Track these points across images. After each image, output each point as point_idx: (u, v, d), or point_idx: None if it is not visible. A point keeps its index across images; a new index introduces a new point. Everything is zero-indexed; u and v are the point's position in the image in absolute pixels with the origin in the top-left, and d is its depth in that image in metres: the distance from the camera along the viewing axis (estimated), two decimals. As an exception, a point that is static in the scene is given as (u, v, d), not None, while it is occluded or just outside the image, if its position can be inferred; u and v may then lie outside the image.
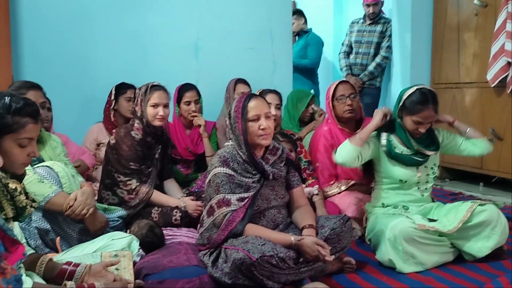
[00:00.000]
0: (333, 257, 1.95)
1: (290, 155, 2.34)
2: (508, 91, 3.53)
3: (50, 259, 1.57)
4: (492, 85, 3.61)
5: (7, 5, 3.13)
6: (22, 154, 1.43)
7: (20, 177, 1.49)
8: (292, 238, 1.97)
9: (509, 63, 3.45)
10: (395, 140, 2.41)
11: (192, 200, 2.56)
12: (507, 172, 3.70)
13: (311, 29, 5.10)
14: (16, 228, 1.63)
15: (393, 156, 2.38)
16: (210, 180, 2.09)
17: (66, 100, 3.27)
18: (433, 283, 2.03)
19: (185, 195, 2.72)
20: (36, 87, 2.37)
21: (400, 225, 2.16)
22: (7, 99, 1.39)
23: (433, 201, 2.49)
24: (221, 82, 3.52)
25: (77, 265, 1.58)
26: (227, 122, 2.14)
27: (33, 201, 1.52)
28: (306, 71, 4.88)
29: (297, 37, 5.11)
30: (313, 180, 2.81)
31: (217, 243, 2.00)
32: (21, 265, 1.41)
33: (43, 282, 1.48)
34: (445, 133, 2.51)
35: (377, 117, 2.40)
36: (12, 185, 1.41)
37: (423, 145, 2.39)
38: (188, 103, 3.08)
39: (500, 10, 3.52)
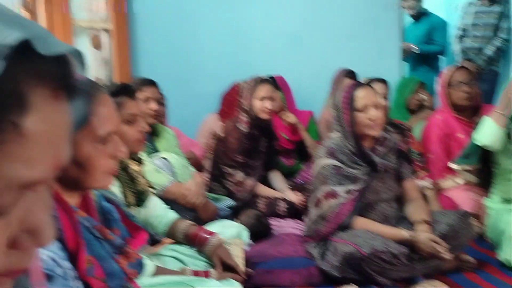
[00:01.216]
0: (450, 254, 1.84)
1: (401, 146, 2.24)
2: None
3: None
4: None
5: (124, 12, 3.40)
6: (132, 130, 1.52)
7: (138, 160, 1.60)
8: (405, 233, 1.88)
9: None
10: None
11: (296, 193, 2.56)
12: None
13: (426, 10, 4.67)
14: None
15: None
16: (316, 172, 2.07)
17: (178, 94, 3.45)
18: None
19: (289, 187, 2.72)
20: (151, 83, 2.52)
21: None
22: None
23: None
24: (324, 72, 3.46)
25: (210, 233, 1.70)
26: (333, 113, 2.10)
27: (150, 187, 1.62)
28: (431, 58, 4.54)
29: (414, 21, 4.70)
30: (425, 173, 2.66)
31: (325, 236, 1.98)
32: (144, 251, 1.51)
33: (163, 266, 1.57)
34: None
35: None
36: (133, 166, 1.51)
37: None
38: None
39: None
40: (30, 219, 0.36)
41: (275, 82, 3.29)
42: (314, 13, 3.75)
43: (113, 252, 1.02)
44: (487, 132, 2.16)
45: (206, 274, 1.56)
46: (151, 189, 1.68)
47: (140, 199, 1.68)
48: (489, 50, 4.23)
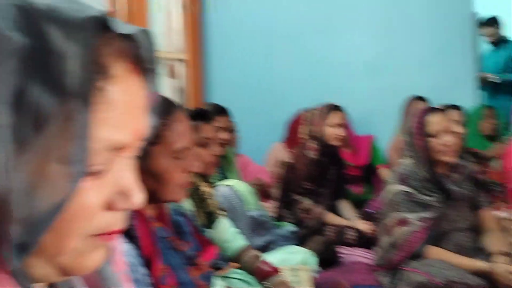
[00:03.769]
0: (533, 289, 1.72)
1: (477, 174, 2.15)
2: None
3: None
4: None
5: (201, 43, 3.59)
6: (206, 153, 1.62)
7: (210, 183, 1.66)
8: (482, 264, 1.79)
9: None
10: None
11: (365, 222, 2.51)
12: None
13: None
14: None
15: None
16: (387, 198, 2.03)
17: (250, 122, 3.54)
18: None
19: (359, 216, 2.68)
20: (223, 112, 2.59)
21: None
22: None
23: None
24: (398, 99, 3.43)
25: (275, 269, 1.69)
26: (406, 138, 2.06)
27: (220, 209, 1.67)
28: (508, 87, 4.32)
29: (494, 47, 4.53)
30: (503, 204, 2.51)
31: (395, 264, 1.92)
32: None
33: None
34: None
35: None
36: (204, 188, 1.57)
37: None
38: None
39: None
40: (122, 181, 0.41)
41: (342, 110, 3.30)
42: (390, 42, 3.76)
43: (185, 263, 1.07)
44: None
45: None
46: (221, 211, 1.73)
47: (210, 220, 1.74)
48: None
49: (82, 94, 0.36)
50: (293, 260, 1.98)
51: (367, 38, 3.74)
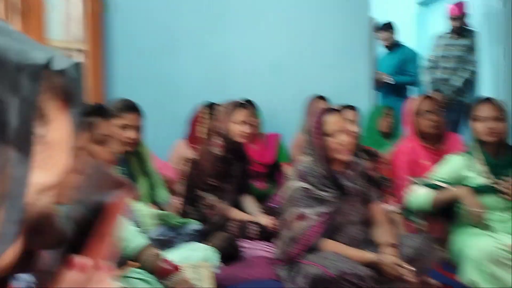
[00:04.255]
0: (415, 278, 1.88)
1: (369, 170, 2.30)
2: None
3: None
4: None
5: (101, 33, 3.43)
6: (103, 151, 1.59)
7: None
8: (371, 256, 1.92)
9: None
10: (475, 166, 2.28)
11: (268, 217, 2.58)
12: None
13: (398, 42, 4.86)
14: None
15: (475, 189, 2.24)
16: (287, 194, 2.11)
17: (153, 117, 3.46)
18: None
19: (262, 211, 2.75)
20: (133, 109, 2.39)
21: (484, 245, 2.03)
22: None
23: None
24: (299, 99, 3.56)
25: (175, 267, 1.68)
26: (305, 136, 2.15)
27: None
28: (400, 88, 4.69)
29: (388, 51, 4.87)
30: (391, 197, 2.72)
31: (293, 257, 2.00)
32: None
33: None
34: None
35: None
36: None
37: (500, 166, 2.23)
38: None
39: None
40: None
41: (255, 106, 3.38)
42: (293, 43, 3.86)
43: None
44: (420, 200, 2.30)
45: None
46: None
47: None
48: (457, 81, 4.39)
49: (22, 144, 0.36)
50: (194, 257, 1.99)
51: (271, 38, 3.82)
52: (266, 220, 2.57)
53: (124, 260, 1.83)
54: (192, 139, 3.35)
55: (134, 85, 3.54)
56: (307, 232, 1.99)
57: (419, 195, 2.31)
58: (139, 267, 1.75)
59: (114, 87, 3.57)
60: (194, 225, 2.43)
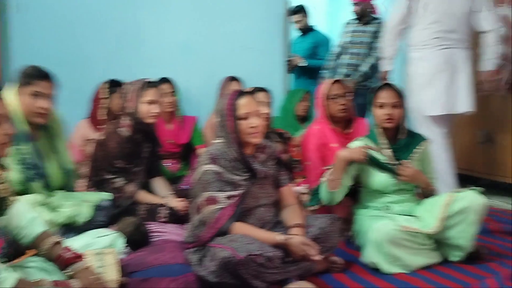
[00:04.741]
0: (320, 256, 1.95)
1: (280, 153, 2.33)
2: (501, 93, 3.53)
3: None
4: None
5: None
6: None
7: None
8: (279, 237, 1.96)
9: (503, 66, 3.44)
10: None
11: (179, 200, 2.54)
12: (497, 175, 3.73)
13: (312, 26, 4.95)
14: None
15: (372, 163, 2.36)
16: (198, 177, 2.07)
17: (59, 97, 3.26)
18: (420, 284, 2.03)
19: (173, 192, 2.69)
20: (45, 76, 2.22)
21: (383, 227, 2.14)
22: None
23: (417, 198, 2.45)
24: (213, 81, 3.52)
25: (77, 255, 1.59)
26: (217, 119, 2.12)
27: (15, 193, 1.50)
28: (312, 71, 4.76)
29: (301, 34, 4.92)
30: (302, 179, 2.80)
31: (203, 241, 1.98)
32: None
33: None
34: (426, 154, 2.45)
35: (354, 155, 2.34)
36: None
37: (399, 151, 2.37)
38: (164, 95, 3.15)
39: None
40: None
41: (172, 84, 3.32)
42: (206, 23, 3.79)
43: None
44: (326, 196, 2.39)
45: (67, 285, 1.47)
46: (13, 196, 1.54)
47: (1, 206, 1.55)
48: (364, 67, 4.58)
49: None
50: (99, 244, 1.90)
51: (183, 17, 3.73)
52: (177, 203, 2.52)
53: (23, 249, 1.71)
54: (94, 119, 3.20)
55: (34, 63, 3.28)
56: (217, 215, 1.98)
57: (324, 191, 2.40)
58: (37, 255, 1.64)
59: (12, 65, 3.27)
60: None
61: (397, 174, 2.32)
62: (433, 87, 3.16)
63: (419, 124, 3.16)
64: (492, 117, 3.71)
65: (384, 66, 3.57)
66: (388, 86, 2.41)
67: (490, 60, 3.18)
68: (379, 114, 2.36)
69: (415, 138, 2.44)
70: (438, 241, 2.25)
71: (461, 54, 3.19)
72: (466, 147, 3.93)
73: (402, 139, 2.39)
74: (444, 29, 3.15)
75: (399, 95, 2.38)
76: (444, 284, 2.02)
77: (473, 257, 2.21)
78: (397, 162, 2.34)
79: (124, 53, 3.60)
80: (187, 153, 3.42)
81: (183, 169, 3.36)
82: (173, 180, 3.10)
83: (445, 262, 2.26)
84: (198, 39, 3.76)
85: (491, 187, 3.88)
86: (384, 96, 2.36)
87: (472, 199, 2.18)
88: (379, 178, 2.36)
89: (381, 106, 2.36)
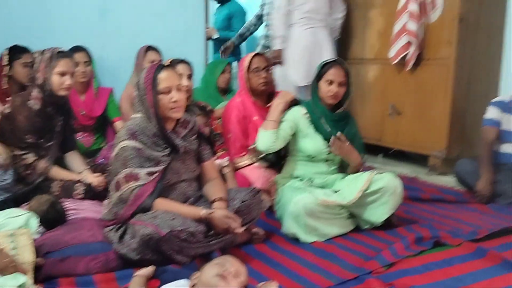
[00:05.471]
0: (243, 228, 1.99)
1: (202, 127, 2.32)
2: (407, 69, 3.76)
3: None
4: (393, 62, 3.82)
5: None
6: None
7: None
8: (202, 211, 1.96)
9: (409, 42, 3.66)
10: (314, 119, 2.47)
11: (96, 175, 2.45)
12: (404, 145, 3.99)
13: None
14: None
15: (313, 123, 2.44)
16: (117, 154, 2.01)
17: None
18: (335, 250, 2.15)
19: (89, 167, 2.59)
20: None
21: (302, 200, 2.22)
22: None
23: (337, 172, 2.58)
24: (130, 48, 3.37)
25: None
26: (136, 93, 2.05)
27: None
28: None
29: (219, 5, 4.82)
30: (223, 152, 2.81)
31: (124, 219, 1.94)
32: None
33: None
34: (357, 132, 2.57)
35: (286, 98, 2.51)
36: None
37: (335, 124, 2.45)
38: (77, 64, 2.97)
39: (404, -10, 3.69)
40: None
41: (86, 53, 3.13)
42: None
43: None
44: (263, 140, 2.47)
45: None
46: None
47: None
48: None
49: None
50: (11, 225, 1.79)
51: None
52: (93, 179, 2.43)
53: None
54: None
55: None
56: (138, 192, 1.94)
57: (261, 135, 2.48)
58: None
59: None
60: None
61: (330, 144, 2.41)
62: (302, 62, 3.81)
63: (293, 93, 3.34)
64: (399, 91, 3.95)
65: (277, 45, 3.87)
66: (338, 63, 2.47)
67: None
68: (325, 89, 2.43)
69: (349, 116, 2.54)
70: (352, 213, 2.39)
71: (324, 33, 3.91)
72: (376, 119, 4.16)
73: (340, 113, 2.47)
74: (310, 10, 3.81)
75: (347, 74, 2.45)
76: (357, 250, 2.16)
77: (384, 224, 2.38)
78: (334, 133, 2.42)
79: (32, 19, 3.32)
80: (101, 126, 3.29)
81: (97, 143, 3.24)
82: (88, 154, 2.98)
83: (358, 228, 2.41)
84: (114, 5, 3.56)
85: (398, 156, 4.18)
86: (333, 73, 2.42)
87: (389, 181, 2.33)
88: (312, 143, 2.44)
89: (330, 82, 2.42)
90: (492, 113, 3.09)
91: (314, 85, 2.49)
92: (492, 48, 3.72)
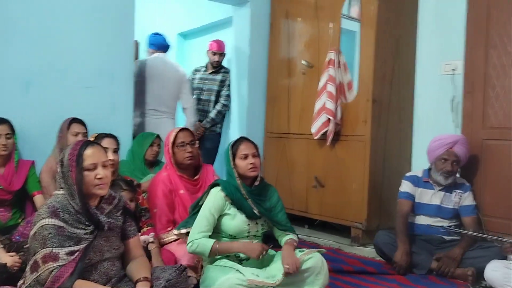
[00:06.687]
0: (167, 309, 1.93)
1: (127, 203, 2.28)
2: (328, 143, 3.99)
3: None
4: (315, 138, 4.04)
5: None
6: None
7: None
8: (123, 293, 1.90)
9: (329, 119, 3.91)
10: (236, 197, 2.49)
11: (10, 254, 2.30)
12: (328, 216, 4.13)
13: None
14: None
15: (234, 204, 2.45)
16: (35, 232, 1.91)
17: None
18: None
19: (3, 246, 2.43)
20: None
21: (228, 281, 2.18)
22: None
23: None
24: (54, 121, 3.31)
25: None
26: (59, 169, 2.01)
27: None
28: None
29: None
30: (148, 228, 2.76)
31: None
32: None
33: None
34: (277, 198, 2.61)
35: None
36: None
37: (257, 199, 2.50)
38: None
39: (322, 72, 4.00)
40: None
41: (8, 125, 3.03)
42: (48, 60, 3.55)
43: None
44: (199, 250, 2.39)
45: None
46: None
47: None
48: (212, 113, 4.78)
49: None
50: None
51: (25, 52, 3.45)
52: (7, 258, 2.29)
53: None
54: None
55: None
56: (56, 273, 1.84)
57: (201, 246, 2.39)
58: None
59: None
60: None
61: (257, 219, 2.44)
62: None
63: None
64: (322, 165, 4.15)
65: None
66: (244, 138, 2.56)
67: (190, 123, 4.52)
68: (244, 164, 2.48)
69: (266, 185, 2.61)
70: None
71: (168, 122, 4.40)
72: (302, 191, 4.31)
73: (260, 185, 2.53)
74: (157, 104, 4.39)
75: (255, 146, 2.54)
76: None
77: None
78: (258, 209, 2.46)
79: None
80: (19, 201, 3.13)
81: (14, 218, 3.06)
82: (3, 231, 2.81)
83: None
84: (38, 77, 3.51)
85: (323, 227, 4.30)
86: (245, 147, 2.50)
87: (317, 261, 2.37)
88: (234, 223, 2.45)
89: (245, 156, 2.48)
90: (406, 186, 3.32)
91: (229, 167, 2.53)
92: (403, 126, 4.06)
